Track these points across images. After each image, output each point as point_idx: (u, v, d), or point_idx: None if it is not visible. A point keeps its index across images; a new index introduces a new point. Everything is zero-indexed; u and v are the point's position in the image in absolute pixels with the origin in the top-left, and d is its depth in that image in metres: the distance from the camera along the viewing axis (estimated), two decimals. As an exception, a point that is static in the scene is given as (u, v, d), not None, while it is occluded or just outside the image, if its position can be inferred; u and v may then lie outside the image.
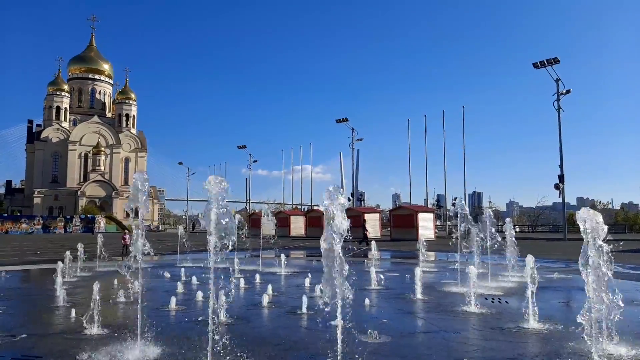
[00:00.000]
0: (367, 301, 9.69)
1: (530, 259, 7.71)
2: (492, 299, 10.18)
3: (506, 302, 9.84)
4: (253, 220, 60.02)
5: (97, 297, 7.08)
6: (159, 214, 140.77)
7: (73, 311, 8.48)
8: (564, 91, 42.45)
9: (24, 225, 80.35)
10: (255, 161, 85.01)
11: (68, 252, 13.51)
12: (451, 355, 5.96)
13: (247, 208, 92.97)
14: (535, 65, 43.36)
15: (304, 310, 8.62)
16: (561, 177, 42.12)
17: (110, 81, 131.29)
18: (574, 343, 6.16)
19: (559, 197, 43.81)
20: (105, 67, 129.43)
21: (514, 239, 13.46)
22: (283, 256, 16.27)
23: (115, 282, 11.91)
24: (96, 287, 7.21)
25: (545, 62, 42.65)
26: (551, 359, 5.71)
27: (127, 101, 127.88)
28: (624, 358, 5.54)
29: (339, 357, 4.75)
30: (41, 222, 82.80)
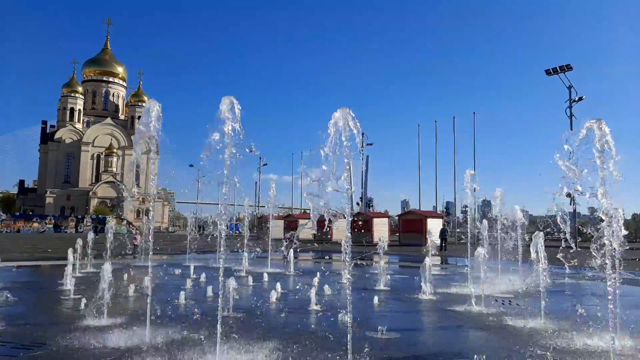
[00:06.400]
0: (375, 300, 9.70)
1: (539, 234, 7.73)
2: (503, 301, 10.09)
3: (517, 304, 9.75)
4: (261, 224, 60.20)
5: (105, 289, 7.14)
6: (168, 216, 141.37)
7: (83, 302, 8.55)
8: (577, 98, 42.11)
9: (35, 224, 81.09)
10: (265, 164, 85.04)
11: (78, 244, 13.62)
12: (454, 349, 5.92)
13: (257, 211, 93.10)
14: (547, 72, 43.09)
15: (313, 307, 8.67)
16: (573, 185, 41.64)
17: (124, 84, 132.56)
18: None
19: (570, 204, 43.32)
20: (119, 69, 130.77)
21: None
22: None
23: (125, 277, 12.04)
24: (105, 279, 7.24)
25: (558, 68, 42.38)
26: (556, 354, 5.67)
27: (140, 104, 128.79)
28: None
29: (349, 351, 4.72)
30: (53, 221, 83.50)
